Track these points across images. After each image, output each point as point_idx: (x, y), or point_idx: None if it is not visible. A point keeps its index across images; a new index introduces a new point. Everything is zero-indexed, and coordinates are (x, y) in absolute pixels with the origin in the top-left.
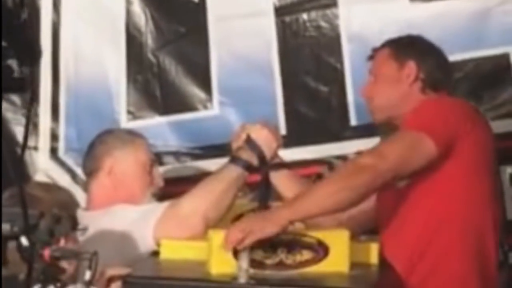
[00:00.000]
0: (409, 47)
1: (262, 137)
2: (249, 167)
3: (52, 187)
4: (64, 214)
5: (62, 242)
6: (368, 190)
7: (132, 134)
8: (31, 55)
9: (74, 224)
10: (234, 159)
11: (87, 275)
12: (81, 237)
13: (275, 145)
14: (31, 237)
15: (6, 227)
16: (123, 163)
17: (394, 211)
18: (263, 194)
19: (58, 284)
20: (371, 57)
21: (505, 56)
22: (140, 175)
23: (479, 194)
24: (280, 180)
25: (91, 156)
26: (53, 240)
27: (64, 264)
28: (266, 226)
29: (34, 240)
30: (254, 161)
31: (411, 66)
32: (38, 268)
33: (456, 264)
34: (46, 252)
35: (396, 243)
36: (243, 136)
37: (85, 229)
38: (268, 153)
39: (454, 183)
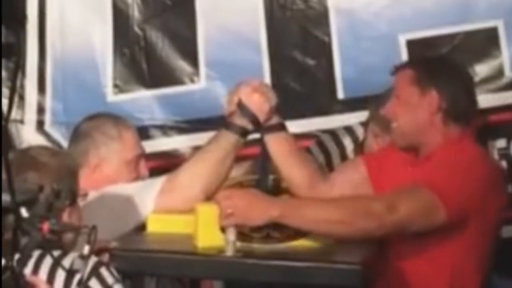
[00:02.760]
0: (433, 73)
1: (253, 101)
2: (244, 132)
3: (57, 153)
4: (67, 182)
5: (66, 211)
6: (367, 235)
7: (119, 126)
8: (16, 21)
9: (75, 195)
10: (228, 125)
11: (86, 249)
12: (81, 202)
13: (267, 107)
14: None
15: (6, 198)
16: (108, 162)
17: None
18: (262, 163)
19: (56, 254)
20: (393, 73)
21: (493, 29)
22: (126, 173)
23: (473, 266)
24: (273, 143)
25: (76, 150)
26: (52, 213)
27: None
28: (251, 216)
29: (33, 214)
30: (248, 126)
31: (433, 96)
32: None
33: None
34: (45, 226)
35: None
36: (235, 99)
37: (85, 195)
38: (261, 117)
39: (455, 247)
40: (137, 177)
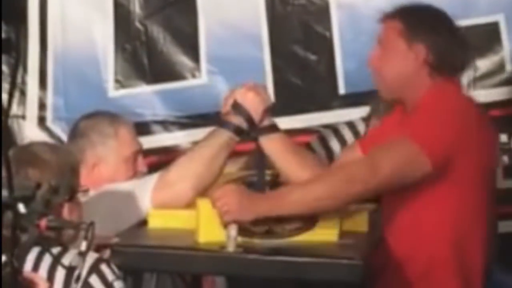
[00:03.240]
0: (420, 26)
1: (247, 100)
2: (238, 131)
3: (58, 149)
4: (65, 180)
5: (65, 209)
6: (354, 200)
7: (115, 123)
8: (15, 17)
9: (74, 191)
10: (223, 123)
11: (83, 245)
12: (82, 199)
13: (262, 106)
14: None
15: (4, 193)
16: (107, 162)
17: (393, 216)
18: (258, 162)
19: (60, 248)
20: (380, 21)
21: (494, 24)
22: (124, 170)
23: (469, 210)
24: (271, 145)
25: (74, 149)
26: (49, 210)
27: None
28: (242, 212)
29: (30, 210)
30: (243, 124)
31: (419, 49)
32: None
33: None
34: (42, 223)
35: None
36: (230, 102)
37: (87, 190)
38: (255, 116)
39: (444, 198)
40: (135, 174)
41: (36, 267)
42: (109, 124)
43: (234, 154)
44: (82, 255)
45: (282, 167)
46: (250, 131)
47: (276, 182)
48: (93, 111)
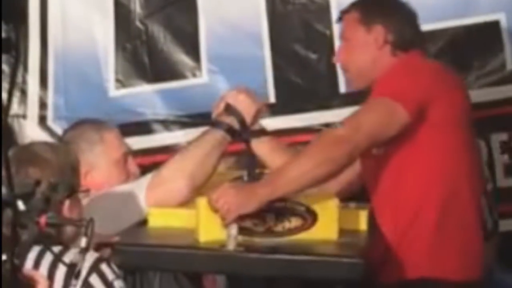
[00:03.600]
0: (375, 10)
1: (239, 101)
2: (231, 131)
3: (59, 148)
4: (65, 178)
5: (66, 206)
6: (346, 161)
7: (100, 130)
8: (15, 16)
9: (73, 189)
10: (215, 123)
11: (83, 242)
12: (84, 200)
13: (254, 109)
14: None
15: (3, 191)
16: (98, 167)
17: (377, 178)
18: (249, 163)
19: (57, 250)
20: (339, 19)
21: (495, 23)
22: (116, 173)
23: (453, 152)
24: (261, 148)
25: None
26: (49, 207)
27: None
28: (244, 204)
29: (30, 208)
30: (235, 124)
31: (378, 30)
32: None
33: (429, 230)
34: (42, 220)
35: (384, 210)
36: (222, 105)
37: (87, 191)
38: (247, 117)
39: (428, 145)
40: (128, 176)
41: (36, 265)
42: (94, 131)
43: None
44: (82, 251)
45: (274, 168)
46: (242, 132)
47: None
48: (76, 120)
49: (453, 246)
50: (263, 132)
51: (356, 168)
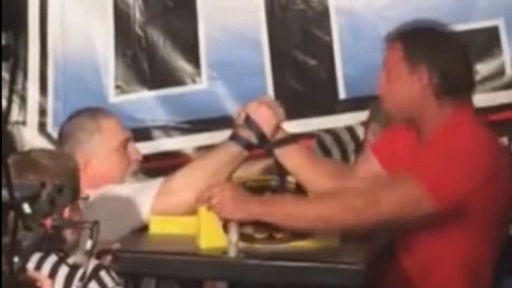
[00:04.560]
0: (421, 46)
1: (259, 114)
2: (248, 145)
3: (58, 155)
4: (67, 183)
5: (67, 212)
6: (347, 228)
7: (96, 118)
8: (14, 23)
9: (76, 193)
10: (233, 137)
11: (88, 244)
12: (82, 205)
13: (274, 121)
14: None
15: (6, 194)
16: (95, 155)
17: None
18: (278, 171)
19: (61, 254)
20: (385, 42)
21: (494, 28)
22: (116, 161)
23: (483, 245)
24: (286, 156)
25: None
26: (55, 209)
27: (67, 234)
28: (237, 212)
29: (35, 210)
30: (253, 139)
31: (422, 72)
32: (39, 237)
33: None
34: (48, 222)
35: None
36: (243, 116)
37: (86, 198)
38: (267, 130)
39: (457, 239)
40: (129, 163)
41: (38, 268)
42: (91, 120)
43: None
44: (87, 254)
45: (300, 177)
46: (262, 145)
47: (299, 189)
48: (73, 112)
49: None
50: (286, 140)
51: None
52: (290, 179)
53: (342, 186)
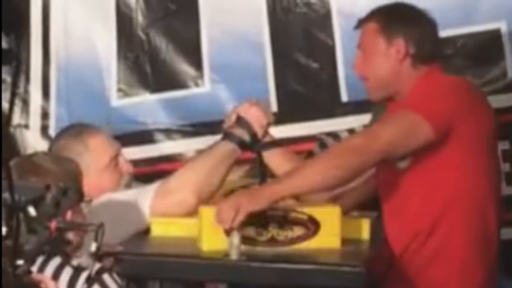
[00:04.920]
0: (396, 21)
1: (251, 114)
2: (241, 143)
3: (61, 159)
4: (71, 186)
5: (69, 215)
6: (357, 170)
7: (83, 137)
8: (15, 27)
9: (80, 196)
10: (226, 136)
11: (93, 246)
12: (85, 209)
13: (265, 122)
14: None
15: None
16: (88, 176)
17: (396, 192)
18: (261, 173)
19: (64, 256)
20: (356, 27)
21: (496, 31)
22: (108, 176)
23: (480, 173)
24: (273, 159)
25: None
26: (59, 212)
27: (70, 236)
28: (255, 200)
29: (40, 212)
30: (246, 137)
31: (399, 43)
32: (44, 239)
33: (460, 249)
34: (53, 224)
35: (399, 224)
36: (233, 117)
37: (90, 201)
38: (258, 130)
39: (455, 164)
40: (121, 176)
41: (41, 269)
42: (77, 140)
43: (235, 163)
44: (92, 256)
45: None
46: (253, 144)
47: None
48: (60, 130)
49: (480, 263)
50: (274, 143)
51: (363, 177)
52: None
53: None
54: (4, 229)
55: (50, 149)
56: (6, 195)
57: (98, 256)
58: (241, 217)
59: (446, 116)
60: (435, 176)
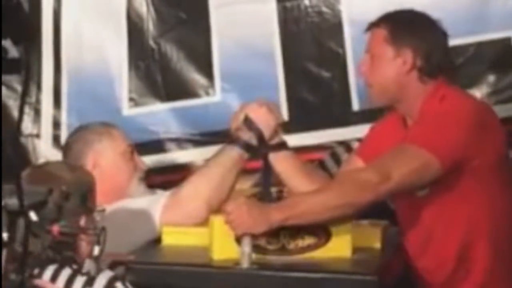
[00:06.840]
0: (405, 31)
1: (259, 115)
2: (248, 147)
3: (76, 168)
4: (75, 190)
5: (83, 222)
6: (367, 206)
7: (107, 126)
8: (25, 36)
9: (84, 200)
10: (233, 140)
11: (96, 250)
12: (98, 218)
13: (274, 123)
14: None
15: (14, 202)
16: (105, 155)
17: (417, 221)
18: (264, 178)
19: (75, 266)
20: (366, 30)
21: (506, 40)
22: (123, 163)
23: (498, 196)
24: (280, 163)
25: (72, 156)
26: (62, 216)
27: (81, 245)
28: (254, 225)
29: (42, 217)
30: (253, 141)
31: (407, 54)
32: (47, 244)
33: (488, 271)
34: (55, 228)
35: (424, 254)
36: (241, 117)
37: (103, 210)
38: (266, 132)
39: (474, 190)
40: (135, 167)
41: (54, 279)
42: (100, 125)
43: (245, 172)
44: (95, 260)
45: (292, 185)
46: (260, 147)
47: (281, 198)
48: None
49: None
50: (283, 146)
51: None
52: (273, 189)
53: None
54: (5, 235)
55: (69, 138)
56: (6, 200)
57: (110, 265)
58: (238, 234)
59: (458, 152)
60: (454, 206)
